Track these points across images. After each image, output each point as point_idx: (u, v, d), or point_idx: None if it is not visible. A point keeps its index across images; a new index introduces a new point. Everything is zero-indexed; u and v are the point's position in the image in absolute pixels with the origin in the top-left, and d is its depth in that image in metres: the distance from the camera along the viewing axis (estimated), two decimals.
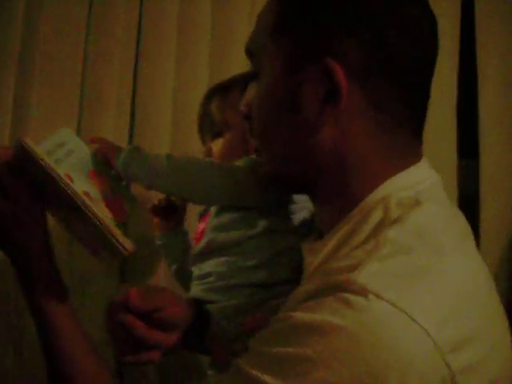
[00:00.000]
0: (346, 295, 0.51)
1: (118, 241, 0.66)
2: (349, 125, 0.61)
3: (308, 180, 0.66)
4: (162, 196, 1.03)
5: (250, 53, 0.69)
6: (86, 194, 0.70)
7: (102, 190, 0.78)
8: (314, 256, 0.65)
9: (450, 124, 1.17)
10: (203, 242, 0.87)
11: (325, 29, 0.60)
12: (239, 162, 0.87)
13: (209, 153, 0.98)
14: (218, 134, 0.97)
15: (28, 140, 0.65)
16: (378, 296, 0.50)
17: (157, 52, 1.24)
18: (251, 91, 0.72)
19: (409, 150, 0.64)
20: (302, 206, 0.86)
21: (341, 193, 0.63)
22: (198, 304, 0.84)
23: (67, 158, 0.76)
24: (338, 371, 0.49)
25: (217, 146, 0.96)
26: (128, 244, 0.67)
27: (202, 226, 0.91)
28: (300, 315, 0.53)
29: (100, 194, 0.78)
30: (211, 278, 0.85)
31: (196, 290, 0.87)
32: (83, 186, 0.73)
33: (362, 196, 0.62)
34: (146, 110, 1.24)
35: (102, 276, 1.21)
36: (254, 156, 0.87)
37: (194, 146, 1.22)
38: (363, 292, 0.50)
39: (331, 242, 0.62)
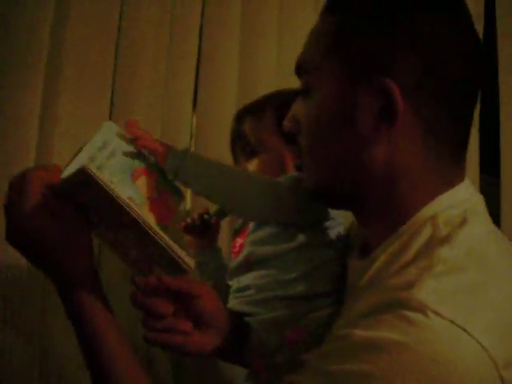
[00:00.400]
0: (406, 312, 0.53)
1: (180, 258, 0.66)
2: (401, 143, 0.63)
3: (355, 195, 0.68)
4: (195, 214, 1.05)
5: (301, 69, 0.71)
6: (131, 199, 0.70)
7: (147, 190, 0.78)
8: (362, 273, 0.67)
9: (473, 141, 1.20)
10: (242, 256, 0.88)
11: (382, 49, 0.62)
12: (280, 179, 0.87)
13: None
14: (252, 154, 0.99)
15: (92, 167, 0.64)
16: (436, 313, 0.52)
17: (186, 55, 1.26)
18: (296, 107, 0.73)
19: (454, 169, 0.67)
20: (338, 222, 0.88)
21: (389, 209, 0.66)
22: (237, 316, 0.86)
23: (109, 160, 0.76)
24: None
25: (252, 166, 0.98)
26: (190, 261, 0.67)
27: (240, 240, 0.92)
28: (361, 333, 0.54)
29: (145, 196, 0.78)
30: (250, 291, 0.86)
31: (235, 302, 0.88)
32: (127, 191, 0.73)
33: (410, 213, 0.64)
34: (173, 114, 1.26)
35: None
36: (294, 173, 0.89)
37: (218, 150, 1.25)
38: (422, 309, 0.52)
39: (380, 259, 0.64)
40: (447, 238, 0.60)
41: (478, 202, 0.67)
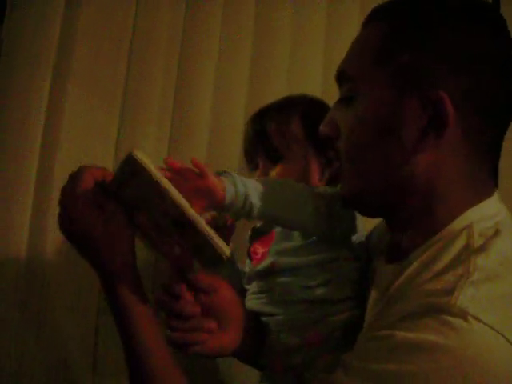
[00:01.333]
0: (447, 317, 0.55)
1: (220, 247, 0.67)
2: (444, 155, 0.65)
3: (392, 204, 0.69)
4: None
5: (343, 76, 0.72)
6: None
7: None
8: (393, 277, 0.68)
9: None
10: (265, 264, 0.88)
11: (431, 61, 0.64)
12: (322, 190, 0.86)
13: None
14: (276, 159, 0.93)
15: (139, 153, 0.66)
16: (477, 319, 0.54)
17: (199, 62, 1.26)
18: (335, 112, 0.73)
19: (488, 182, 0.69)
20: (361, 234, 0.89)
21: (425, 218, 0.67)
22: (255, 316, 0.86)
23: None
24: None
25: (275, 171, 0.93)
26: (227, 249, 0.68)
27: (261, 248, 0.91)
28: (403, 334, 0.56)
29: None
30: (272, 294, 0.86)
31: (253, 303, 0.89)
32: None
33: (445, 222, 0.66)
34: (184, 120, 1.25)
35: None
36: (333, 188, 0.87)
37: (231, 157, 1.25)
38: (463, 315, 0.54)
39: (414, 265, 0.65)
40: (482, 247, 0.62)
41: (507, 216, 0.69)
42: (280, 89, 1.26)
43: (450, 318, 0.54)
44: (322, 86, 1.30)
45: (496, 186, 0.71)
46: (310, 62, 1.31)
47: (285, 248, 0.87)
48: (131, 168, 0.66)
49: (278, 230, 0.90)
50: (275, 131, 0.94)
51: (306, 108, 0.95)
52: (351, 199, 0.74)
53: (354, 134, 0.69)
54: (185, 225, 0.67)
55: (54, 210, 1.07)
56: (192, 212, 0.66)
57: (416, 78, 0.64)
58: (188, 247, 0.70)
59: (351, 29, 1.30)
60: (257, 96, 1.27)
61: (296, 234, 0.87)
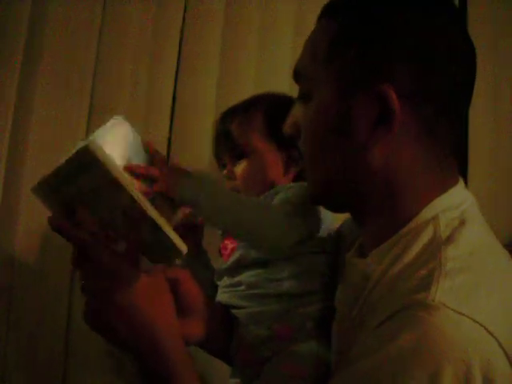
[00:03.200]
0: (427, 313, 0.54)
1: (176, 243, 0.65)
2: (398, 147, 0.65)
3: (355, 199, 0.69)
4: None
5: (298, 75, 0.72)
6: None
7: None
8: (363, 269, 0.68)
9: None
10: (234, 258, 0.89)
11: (377, 55, 0.63)
12: (290, 194, 0.89)
13: (231, 176, 0.97)
14: (240, 157, 0.96)
15: (96, 146, 0.62)
16: (458, 312, 0.54)
17: (166, 57, 1.26)
18: (296, 112, 0.74)
19: (450, 171, 0.69)
20: (325, 227, 0.90)
21: (389, 211, 0.67)
22: (224, 309, 0.87)
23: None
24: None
25: (240, 169, 0.96)
26: (183, 246, 0.66)
27: (230, 244, 0.92)
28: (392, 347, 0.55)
29: None
30: (241, 287, 0.87)
31: (224, 296, 0.89)
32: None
33: (409, 215, 0.65)
34: (153, 114, 1.25)
35: None
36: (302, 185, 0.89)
37: (195, 153, 1.26)
38: (443, 309, 0.54)
39: (385, 260, 0.65)
40: (450, 238, 0.62)
41: (472, 204, 0.69)
42: (248, 91, 1.25)
43: (430, 314, 0.54)
44: (290, 87, 1.31)
45: (460, 174, 0.71)
46: (278, 63, 1.31)
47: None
48: (83, 162, 0.61)
49: None
50: (237, 129, 0.96)
51: (269, 105, 0.97)
52: (315, 197, 0.74)
53: (309, 134, 0.70)
54: (138, 221, 0.65)
55: (23, 206, 1.10)
56: (152, 210, 0.64)
57: (361, 73, 0.64)
58: (137, 243, 0.67)
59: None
60: (225, 94, 1.28)
61: None
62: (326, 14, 0.70)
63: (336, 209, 0.78)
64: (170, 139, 1.29)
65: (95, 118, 1.21)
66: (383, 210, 0.67)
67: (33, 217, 1.15)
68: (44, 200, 0.66)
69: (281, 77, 1.26)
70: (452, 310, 0.54)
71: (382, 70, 0.63)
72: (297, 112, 0.73)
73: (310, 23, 1.28)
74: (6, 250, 1.15)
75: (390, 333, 0.56)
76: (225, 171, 0.98)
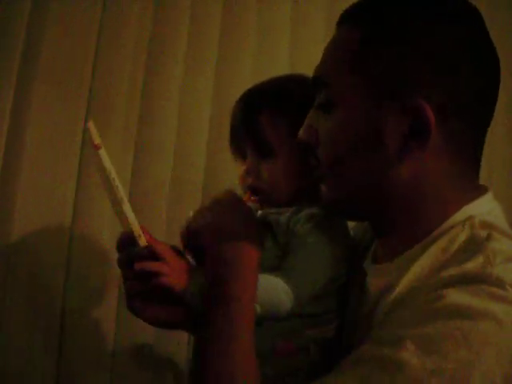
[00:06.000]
0: (487, 287, 0.55)
1: (136, 236, 0.71)
2: (428, 161, 0.64)
3: (378, 210, 0.69)
4: None
5: (321, 82, 0.69)
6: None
7: None
8: (388, 275, 0.68)
9: None
10: None
11: (410, 66, 0.62)
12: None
13: (255, 174, 0.84)
14: (267, 155, 0.83)
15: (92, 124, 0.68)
16: None
17: (166, 60, 1.26)
18: (313, 119, 0.71)
19: (476, 182, 0.69)
20: None
21: (411, 223, 0.67)
22: None
23: None
24: (482, 353, 0.53)
25: (268, 169, 0.83)
26: (143, 242, 0.71)
27: None
28: (451, 298, 0.56)
29: None
30: None
31: None
32: None
33: (439, 222, 0.65)
34: (151, 116, 1.26)
35: None
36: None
37: (196, 155, 1.27)
38: (501, 284, 0.55)
39: (418, 262, 0.64)
40: (490, 237, 0.62)
41: (501, 213, 0.69)
42: (246, 80, 1.27)
43: (489, 288, 0.55)
44: None
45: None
46: (276, 65, 1.33)
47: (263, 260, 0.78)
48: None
49: None
50: (267, 122, 0.82)
51: (304, 97, 0.79)
52: (334, 206, 0.73)
53: (334, 143, 0.68)
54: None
55: (19, 206, 1.11)
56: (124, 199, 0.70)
57: (394, 85, 0.63)
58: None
59: (317, 25, 1.33)
60: (223, 94, 1.28)
61: (270, 245, 0.80)
62: (350, 19, 0.68)
63: (353, 218, 0.78)
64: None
65: (93, 118, 1.18)
66: (407, 222, 0.67)
67: (29, 218, 1.16)
68: None
69: None
70: (509, 284, 0.55)
71: (414, 83, 0.62)
72: (313, 119, 0.71)
73: (307, 25, 1.31)
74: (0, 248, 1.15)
75: (443, 297, 0.56)
76: (245, 167, 0.86)
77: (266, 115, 0.82)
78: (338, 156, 0.67)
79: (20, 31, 1.15)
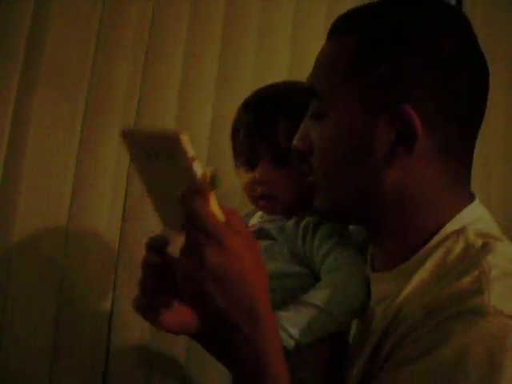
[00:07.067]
0: (485, 321, 0.55)
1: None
2: (416, 167, 0.65)
3: (368, 215, 0.70)
4: None
5: (312, 92, 0.70)
6: None
7: None
8: (388, 286, 0.69)
9: None
10: None
11: (401, 75, 0.63)
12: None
13: (266, 181, 0.83)
14: (283, 162, 0.82)
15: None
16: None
17: (166, 59, 1.26)
18: (306, 128, 0.72)
19: (466, 187, 0.70)
20: None
21: (405, 229, 0.68)
22: None
23: None
24: None
25: (283, 177, 0.83)
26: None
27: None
28: (447, 348, 0.55)
29: None
30: None
31: None
32: None
33: (431, 231, 0.66)
34: (149, 114, 1.25)
35: None
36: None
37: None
38: (500, 316, 0.55)
39: (415, 277, 0.65)
40: (485, 247, 0.62)
41: (490, 217, 0.70)
42: (247, 92, 1.26)
43: (487, 320, 0.54)
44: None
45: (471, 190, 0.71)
46: (277, 64, 1.32)
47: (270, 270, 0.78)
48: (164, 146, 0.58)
49: (261, 246, 0.81)
50: (284, 130, 0.82)
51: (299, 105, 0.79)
52: (328, 212, 0.74)
53: (327, 151, 0.69)
54: None
55: (21, 207, 1.11)
56: None
57: (383, 93, 0.64)
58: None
59: (318, 24, 1.33)
60: (225, 90, 1.28)
61: (280, 254, 0.81)
62: (341, 29, 0.69)
63: (347, 223, 0.80)
64: None
65: (91, 118, 1.22)
66: (400, 227, 0.68)
67: (30, 220, 1.17)
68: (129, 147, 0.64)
69: (279, 78, 1.26)
70: (508, 316, 0.54)
71: (405, 91, 0.63)
72: (307, 127, 0.72)
73: (309, 24, 1.31)
74: (2, 248, 1.16)
75: (443, 337, 0.55)
76: (255, 176, 0.84)
77: (282, 124, 0.82)
78: (331, 163, 0.69)
79: (21, 33, 1.16)
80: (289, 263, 0.81)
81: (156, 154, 0.61)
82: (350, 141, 0.66)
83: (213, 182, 0.59)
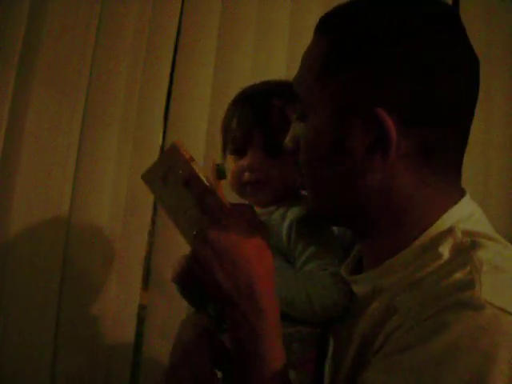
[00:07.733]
0: (475, 313, 0.55)
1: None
2: (398, 169, 0.64)
3: (352, 217, 0.69)
4: None
5: (295, 93, 0.70)
6: None
7: None
8: (373, 283, 0.68)
9: None
10: None
11: (375, 77, 0.62)
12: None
13: (255, 168, 0.86)
14: (275, 153, 0.84)
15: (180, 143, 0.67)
16: (504, 311, 0.54)
17: (165, 58, 1.27)
18: (295, 128, 0.73)
19: (455, 185, 0.69)
20: None
21: (393, 230, 0.67)
22: None
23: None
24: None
25: (272, 166, 0.85)
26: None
27: None
28: (438, 341, 0.55)
29: None
30: None
31: None
32: None
33: (419, 231, 0.65)
34: (148, 115, 1.26)
35: None
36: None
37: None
38: (490, 308, 0.54)
39: (406, 269, 0.65)
40: (475, 244, 0.62)
41: (481, 214, 0.69)
42: (245, 78, 1.27)
43: (477, 313, 0.54)
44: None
45: (461, 187, 0.70)
46: (274, 63, 1.32)
47: None
48: (171, 159, 0.67)
49: None
50: (279, 120, 0.84)
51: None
52: (315, 212, 0.74)
53: (307, 152, 0.69)
54: None
55: (16, 208, 1.12)
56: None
57: (357, 95, 0.63)
58: None
59: (316, 20, 1.32)
60: (221, 87, 1.29)
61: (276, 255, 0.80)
62: (320, 30, 0.69)
63: (334, 223, 0.80)
64: (162, 146, 1.29)
65: (89, 119, 1.22)
66: (387, 229, 0.67)
67: (25, 221, 1.17)
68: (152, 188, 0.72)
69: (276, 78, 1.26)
70: (498, 308, 0.54)
71: (379, 92, 0.62)
72: (296, 128, 0.72)
73: (306, 22, 1.31)
74: (2, 242, 1.16)
75: (435, 328, 0.55)
76: (244, 163, 0.87)
77: (280, 117, 0.84)
78: (312, 162, 0.69)
79: (19, 32, 1.16)
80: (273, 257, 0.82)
81: (165, 176, 0.69)
82: (328, 143, 0.65)
83: (219, 173, 0.69)
